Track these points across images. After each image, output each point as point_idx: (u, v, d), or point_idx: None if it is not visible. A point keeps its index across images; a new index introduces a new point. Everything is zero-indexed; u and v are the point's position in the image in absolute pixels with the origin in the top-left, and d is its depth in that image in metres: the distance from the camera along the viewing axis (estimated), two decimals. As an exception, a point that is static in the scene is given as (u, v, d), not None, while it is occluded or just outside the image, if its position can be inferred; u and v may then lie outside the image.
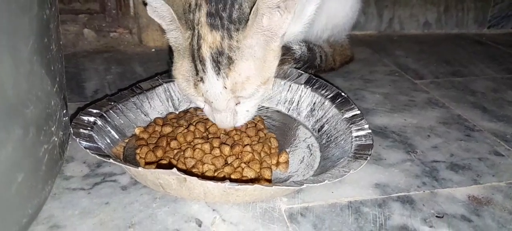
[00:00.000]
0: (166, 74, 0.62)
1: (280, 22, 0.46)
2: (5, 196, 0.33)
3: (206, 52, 0.45)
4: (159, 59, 0.85)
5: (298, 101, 0.61)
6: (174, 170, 0.37)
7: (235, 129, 0.52)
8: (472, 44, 1.03)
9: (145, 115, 0.58)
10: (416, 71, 0.83)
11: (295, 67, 0.64)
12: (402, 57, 0.90)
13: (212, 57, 0.45)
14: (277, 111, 0.62)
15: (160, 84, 0.61)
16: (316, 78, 0.61)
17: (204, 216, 0.42)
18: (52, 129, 0.41)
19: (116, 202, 0.43)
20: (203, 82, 0.46)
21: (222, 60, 0.45)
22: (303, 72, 0.63)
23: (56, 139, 0.43)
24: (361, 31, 1.04)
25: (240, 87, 0.46)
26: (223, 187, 0.40)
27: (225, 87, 0.45)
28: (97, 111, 0.53)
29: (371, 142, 0.48)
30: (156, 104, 0.60)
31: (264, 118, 0.59)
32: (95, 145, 0.45)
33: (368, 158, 0.45)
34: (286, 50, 0.63)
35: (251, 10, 0.44)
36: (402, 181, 0.48)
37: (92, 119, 0.51)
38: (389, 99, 0.70)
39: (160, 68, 0.79)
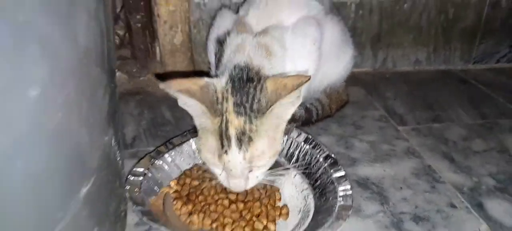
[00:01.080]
0: (193, 130, 0.77)
1: (287, 112, 0.62)
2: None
3: (232, 132, 0.59)
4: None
5: (298, 156, 0.76)
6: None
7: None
8: (456, 83, 1.16)
9: (177, 168, 0.74)
10: (400, 116, 0.97)
11: (295, 126, 0.79)
12: (391, 100, 1.05)
13: (237, 136, 0.59)
14: (279, 161, 0.77)
15: (188, 140, 0.77)
16: (312, 138, 0.76)
17: (226, 261, 0.58)
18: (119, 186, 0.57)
19: (162, 248, 0.60)
20: (226, 154, 0.60)
21: (244, 139, 0.59)
22: (301, 131, 0.78)
23: (123, 194, 0.59)
24: (358, 69, 1.18)
25: (256, 159, 0.60)
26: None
27: (244, 159, 0.60)
28: (142, 170, 0.69)
29: (351, 204, 0.63)
30: (185, 157, 0.76)
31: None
32: (145, 208, 0.61)
33: (347, 219, 0.61)
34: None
35: (267, 102, 0.60)
36: (374, 231, 0.64)
37: (139, 178, 0.67)
38: (373, 148, 0.84)
39: (183, 112, 0.94)
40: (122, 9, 1.02)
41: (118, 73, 1.06)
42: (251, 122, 0.59)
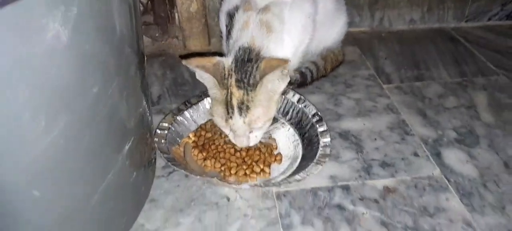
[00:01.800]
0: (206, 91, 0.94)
1: (278, 87, 0.78)
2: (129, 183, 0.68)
3: (235, 102, 0.77)
4: (210, 54, 1.16)
5: (292, 113, 0.93)
6: (214, 179, 0.73)
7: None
8: (446, 41, 1.28)
9: (195, 122, 0.92)
10: (388, 75, 1.11)
11: (291, 88, 0.95)
12: (382, 59, 1.18)
13: (238, 105, 0.77)
14: (277, 118, 0.94)
15: (203, 100, 0.95)
16: (304, 98, 0.92)
17: (231, 195, 0.77)
18: (150, 138, 0.76)
19: (183, 185, 0.79)
20: (231, 119, 0.77)
21: (243, 107, 0.76)
22: (296, 92, 0.94)
23: (153, 145, 0.78)
24: (356, 29, 1.31)
25: (253, 123, 0.77)
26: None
27: (244, 123, 0.77)
28: (167, 125, 0.88)
29: (329, 153, 0.81)
30: (201, 114, 0.94)
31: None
32: (170, 155, 0.80)
33: (324, 164, 0.78)
34: (285, 77, 0.94)
35: (259, 79, 0.76)
36: (347, 174, 0.81)
37: (165, 132, 0.86)
38: (359, 104, 1.00)
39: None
40: (144, -20, 1.16)
41: (143, 37, 1.22)
42: (247, 94, 0.76)
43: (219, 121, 0.80)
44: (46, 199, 0.49)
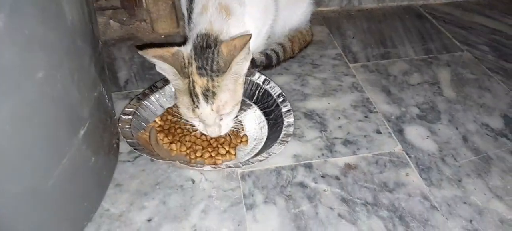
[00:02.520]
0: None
1: (242, 68, 0.78)
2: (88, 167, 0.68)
3: (198, 90, 0.75)
4: (168, 44, 1.16)
5: (258, 95, 0.93)
6: (177, 162, 0.73)
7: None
8: (413, 18, 1.29)
9: (161, 106, 0.92)
10: (354, 54, 1.12)
11: (257, 70, 0.96)
12: (349, 39, 1.19)
13: (202, 92, 0.75)
14: (244, 99, 0.94)
15: (169, 83, 0.94)
16: (269, 80, 0.93)
17: (196, 177, 0.78)
18: (111, 123, 0.76)
19: (148, 169, 0.80)
20: (198, 108, 0.76)
21: (209, 94, 0.75)
22: (261, 74, 0.94)
23: (115, 130, 0.78)
24: (326, 8, 1.32)
25: (222, 109, 0.76)
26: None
27: (212, 110, 0.76)
28: (132, 110, 0.87)
29: (291, 132, 0.82)
30: (167, 98, 0.94)
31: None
32: (134, 141, 0.80)
33: (287, 144, 0.79)
34: (251, 60, 0.94)
35: (224, 63, 0.75)
36: (310, 152, 0.83)
37: (129, 117, 0.85)
38: (324, 84, 1.01)
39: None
40: (109, -37, 1.14)
41: (111, 22, 1.21)
42: (212, 80, 0.75)
43: (186, 112, 0.79)
44: (-4, 185, 0.49)
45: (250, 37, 0.73)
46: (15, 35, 0.44)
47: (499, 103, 0.95)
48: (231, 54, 0.74)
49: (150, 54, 0.74)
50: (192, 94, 0.76)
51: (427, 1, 1.37)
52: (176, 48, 0.78)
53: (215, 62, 0.76)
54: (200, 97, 0.75)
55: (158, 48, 0.76)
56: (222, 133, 0.81)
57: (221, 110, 0.77)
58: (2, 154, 0.48)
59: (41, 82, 0.50)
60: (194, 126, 0.82)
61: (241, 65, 0.78)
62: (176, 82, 0.78)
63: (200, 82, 0.75)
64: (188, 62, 0.76)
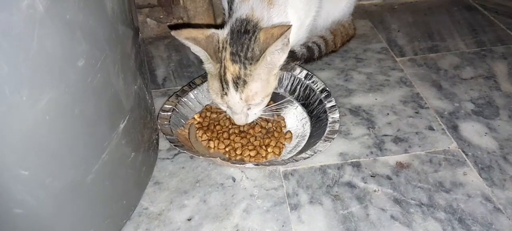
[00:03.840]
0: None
1: (278, 59, 0.74)
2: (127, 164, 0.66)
3: (229, 77, 0.72)
4: (205, 26, 1.14)
5: (299, 90, 0.89)
6: (218, 159, 0.70)
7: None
8: (462, 10, 1.21)
9: (200, 103, 0.90)
10: (400, 48, 1.06)
11: (298, 64, 0.91)
12: (394, 32, 1.13)
13: (233, 80, 0.72)
14: (284, 96, 0.90)
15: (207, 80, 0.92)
16: (311, 74, 0.88)
17: (236, 175, 0.75)
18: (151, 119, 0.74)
19: (188, 166, 0.77)
20: (227, 95, 0.73)
21: (239, 82, 0.72)
22: (303, 68, 0.90)
23: (155, 126, 0.76)
24: (368, 1, 1.26)
25: (251, 99, 0.73)
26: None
27: (241, 99, 0.73)
28: (171, 106, 0.85)
29: (337, 129, 0.77)
30: (206, 94, 0.91)
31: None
32: (173, 137, 0.78)
33: (332, 141, 0.75)
34: (291, 53, 0.90)
35: (260, 51, 0.72)
36: (358, 150, 0.78)
37: (168, 113, 0.83)
38: (370, 79, 0.96)
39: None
40: (146, -39, 1.13)
41: (148, 20, 1.20)
42: (245, 68, 0.71)
43: (215, 97, 0.76)
44: (36, 178, 0.47)
45: (290, 28, 0.69)
46: (57, 20, 0.42)
47: None
48: (267, 42, 0.70)
49: (182, 36, 0.71)
50: (222, 80, 0.73)
51: (477, -8, 1.28)
52: (212, 30, 0.75)
53: (250, 49, 0.72)
54: (230, 84, 0.72)
55: (192, 30, 0.73)
56: (249, 121, 0.78)
57: (250, 100, 0.73)
58: (42, 145, 0.46)
59: (82, 71, 0.48)
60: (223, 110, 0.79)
61: (277, 56, 0.74)
62: (208, 65, 0.75)
63: (231, 69, 0.72)
64: (223, 47, 0.73)
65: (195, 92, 0.90)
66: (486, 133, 0.79)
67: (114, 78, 0.55)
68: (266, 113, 0.80)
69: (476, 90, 0.90)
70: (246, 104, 0.74)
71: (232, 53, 0.72)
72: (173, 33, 0.71)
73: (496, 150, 0.76)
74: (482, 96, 0.88)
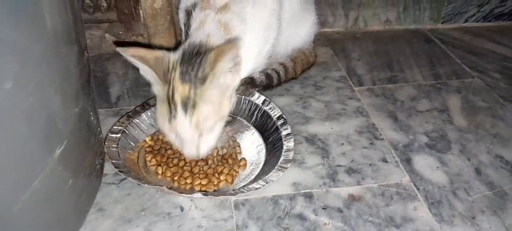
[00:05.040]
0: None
1: (231, 80, 0.72)
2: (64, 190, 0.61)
3: (178, 98, 0.68)
4: (157, 48, 1.11)
5: (257, 116, 0.87)
6: (164, 187, 0.67)
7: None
8: (421, 42, 1.24)
9: (152, 126, 0.86)
10: (359, 77, 1.07)
11: (257, 90, 0.90)
12: (354, 61, 1.14)
13: (182, 101, 0.68)
14: (241, 120, 0.88)
15: (162, 101, 0.89)
16: (269, 100, 0.87)
17: (185, 204, 0.71)
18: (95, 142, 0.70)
19: (134, 193, 0.73)
20: (175, 118, 0.69)
21: (189, 104, 0.68)
22: (261, 94, 0.89)
23: (100, 149, 0.72)
24: (330, 29, 1.27)
25: (202, 123, 0.69)
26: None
27: (191, 123, 0.69)
28: (120, 128, 0.81)
29: (291, 158, 0.76)
30: (159, 116, 0.88)
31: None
32: (120, 162, 0.74)
33: (286, 170, 0.73)
34: (250, 79, 0.88)
35: (210, 70, 0.68)
36: (311, 181, 0.76)
37: (117, 135, 0.79)
38: (328, 107, 0.95)
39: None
40: (107, -25, 1.10)
41: (106, 35, 1.16)
42: (196, 88, 0.68)
43: (162, 123, 0.72)
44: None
45: (238, 42, 0.68)
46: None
47: (513, 134, 0.89)
48: (217, 60, 0.68)
49: (128, 53, 0.67)
50: (170, 102, 0.69)
51: (435, 26, 1.32)
52: (163, 52, 0.72)
53: (201, 69, 0.69)
54: (179, 106, 0.68)
55: (140, 48, 0.70)
56: (201, 155, 0.73)
57: (201, 125, 0.69)
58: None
59: (10, 93, 0.44)
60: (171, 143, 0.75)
61: (230, 76, 0.71)
62: (156, 88, 0.72)
63: (181, 90, 0.68)
64: (172, 67, 0.70)
65: (149, 113, 0.87)
66: (437, 167, 0.80)
67: (50, 101, 0.51)
68: (222, 140, 0.76)
69: (431, 123, 0.91)
70: (196, 130, 0.70)
71: (182, 73, 0.69)
72: (118, 49, 0.68)
73: (447, 184, 0.76)
74: (436, 130, 0.89)
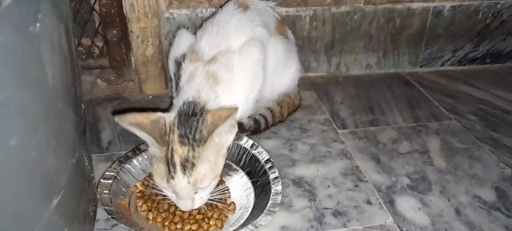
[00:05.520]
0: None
1: (226, 140, 0.75)
2: None
3: (177, 159, 0.71)
4: (156, 105, 1.14)
5: (245, 160, 0.90)
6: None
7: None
8: (401, 85, 1.30)
9: (143, 171, 0.89)
10: (343, 120, 1.11)
11: (245, 135, 0.93)
12: (338, 104, 1.19)
13: (181, 163, 0.71)
14: (230, 164, 0.91)
15: (153, 146, 0.91)
16: (257, 144, 0.91)
17: (176, 249, 0.73)
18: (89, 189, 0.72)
19: (126, 239, 0.75)
20: (173, 179, 0.71)
21: (188, 165, 0.71)
22: (249, 138, 0.92)
23: (93, 196, 0.74)
24: (314, 73, 1.33)
25: (199, 182, 0.72)
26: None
27: (189, 183, 0.71)
28: (112, 174, 0.83)
29: (279, 202, 0.78)
30: (150, 162, 0.90)
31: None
32: (112, 208, 0.76)
33: (274, 214, 0.75)
34: (239, 124, 0.92)
35: (207, 132, 0.72)
36: (299, 224, 0.79)
37: (109, 181, 0.81)
38: (313, 150, 0.99)
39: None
40: (100, 24, 1.14)
41: (98, 81, 1.19)
42: (193, 150, 0.71)
43: (160, 182, 0.74)
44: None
45: (236, 110, 0.72)
46: (-12, 101, 0.42)
47: (490, 174, 0.93)
48: (215, 124, 0.72)
49: (126, 122, 0.70)
50: (169, 163, 0.72)
51: (413, 69, 1.39)
52: (158, 114, 0.75)
53: (198, 131, 0.73)
54: (178, 167, 0.71)
55: (136, 114, 0.72)
56: (195, 207, 0.75)
57: (198, 184, 0.72)
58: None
59: (14, 150, 0.47)
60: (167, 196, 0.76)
61: (225, 137, 0.75)
62: (153, 149, 0.74)
63: (180, 152, 0.72)
64: (170, 130, 0.73)
65: (140, 159, 0.89)
66: (419, 208, 0.83)
67: (49, 155, 0.54)
68: (214, 196, 0.77)
69: (412, 164, 0.95)
70: (193, 188, 0.72)
71: (180, 136, 0.72)
72: (116, 119, 0.70)
73: (429, 225, 0.80)
74: (417, 171, 0.93)
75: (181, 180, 0.71)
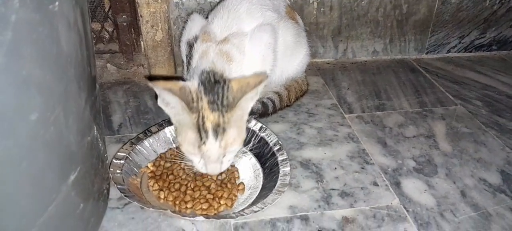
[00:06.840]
0: (168, 120, 0.92)
1: (249, 106, 0.78)
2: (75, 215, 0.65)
3: (209, 125, 0.74)
4: (174, 78, 1.16)
5: (254, 142, 0.92)
6: (168, 211, 0.71)
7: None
8: (407, 72, 1.31)
9: (154, 151, 0.90)
10: (349, 105, 1.13)
11: (253, 117, 0.95)
12: (344, 90, 1.20)
13: (213, 128, 0.74)
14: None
15: (163, 129, 0.93)
16: (266, 127, 0.92)
17: (187, 227, 0.75)
18: (102, 168, 0.74)
19: (138, 217, 0.77)
20: (205, 144, 0.74)
21: (219, 130, 0.74)
22: (257, 121, 0.94)
23: (106, 175, 0.76)
24: (321, 60, 1.34)
25: (229, 146, 0.76)
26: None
27: (220, 146, 0.75)
28: (124, 154, 0.85)
29: (287, 182, 0.80)
30: (161, 143, 0.92)
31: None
32: (125, 187, 0.78)
33: (282, 194, 0.77)
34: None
35: (233, 98, 0.74)
36: (306, 204, 0.80)
37: (121, 161, 0.83)
38: (320, 133, 1.00)
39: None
40: (109, 9, 1.16)
41: (108, 65, 1.21)
42: (223, 115, 0.74)
43: (190, 149, 0.76)
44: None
45: (267, 77, 0.74)
46: (12, 76, 0.43)
47: (495, 158, 0.94)
48: (242, 91, 0.74)
49: (160, 86, 0.72)
50: (200, 129, 0.74)
51: (420, 56, 1.40)
52: (182, 82, 0.77)
53: (225, 98, 0.75)
54: (210, 132, 0.74)
55: (166, 81, 0.74)
56: (223, 170, 0.79)
57: (229, 147, 0.76)
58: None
59: (34, 125, 0.48)
60: (193, 164, 0.79)
61: (250, 102, 0.77)
62: (182, 117, 0.76)
63: (211, 118, 0.74)
64: (197, 97, 0.75)
65: (150, 140, 0.91)
66: (425, 190, 0.85)
67: (67, 131, 0.55)
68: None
69: (418, 148, 0.97)
70: (223, 151, 0.76)
71: (210, 102, 0.75)
72: (150, 84, 0.72)
73: (434, 206, 0.81)
74: (423, 155, 0.95)
75: (213, 144, 0.74)
